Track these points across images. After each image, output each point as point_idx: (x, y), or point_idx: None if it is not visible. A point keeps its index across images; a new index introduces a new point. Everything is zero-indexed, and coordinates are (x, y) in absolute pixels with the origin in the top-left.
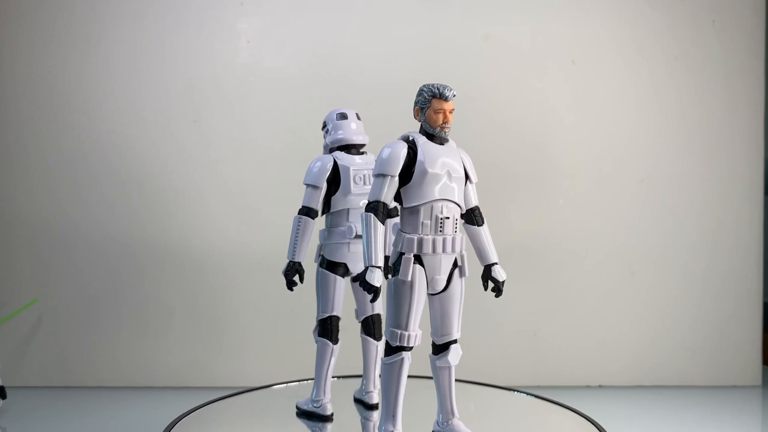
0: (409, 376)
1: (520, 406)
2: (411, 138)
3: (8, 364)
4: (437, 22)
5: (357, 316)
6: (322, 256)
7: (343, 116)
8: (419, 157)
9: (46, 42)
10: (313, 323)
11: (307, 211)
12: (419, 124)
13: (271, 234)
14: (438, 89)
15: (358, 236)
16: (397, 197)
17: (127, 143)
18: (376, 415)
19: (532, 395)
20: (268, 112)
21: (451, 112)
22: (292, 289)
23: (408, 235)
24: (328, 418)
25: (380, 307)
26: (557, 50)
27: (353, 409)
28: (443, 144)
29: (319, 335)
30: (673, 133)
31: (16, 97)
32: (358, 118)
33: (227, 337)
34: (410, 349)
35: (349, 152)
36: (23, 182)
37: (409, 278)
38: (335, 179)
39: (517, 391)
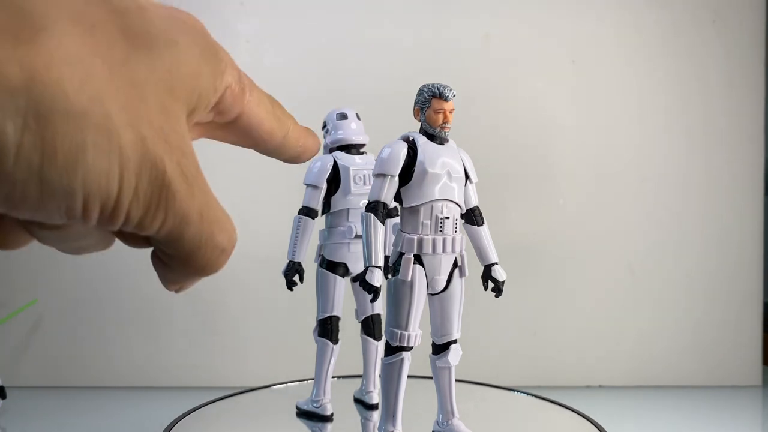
0: (409, 376)
1: (520, 406)
2: (411, 138)
3: (8, 364)
4: (437, 22)
5: (357, 316)
6: (322, 256)
7: (343, 116)
8: (419, 157)
9: None
10: (313, 323)
11: (307, 211)
12: (419, 124)
13: (271, 234)
14: (438, 89)
15: (358, 236)
16: (397, 197)
17: None
18: (376, 415)
19: (532, 395)
20: None
21: (451, 112)
22: (292, 289)
23: (408, 235)
24: (328, 418)
25: (380, 307)
26: (557, 50)
27: (353, 409)
28: (443, 144)
29: (319, 335)
30: (673, 133)
31: None
32: (358, 118)
33: (227, 337)
34: (410, 349)
35: (349, 152)
36: None
37: (409, 278)
38: (335, 179)
39: (518, 391)
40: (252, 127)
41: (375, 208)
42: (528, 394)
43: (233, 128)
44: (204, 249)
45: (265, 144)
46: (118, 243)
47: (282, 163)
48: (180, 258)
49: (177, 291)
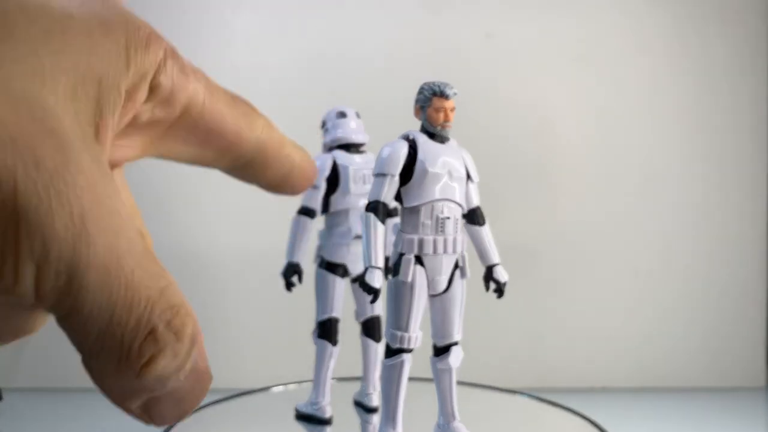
0: (409, 379)
1: (522, 408)
2: (411, 137)
3: (5, 365)
4: (438, 20)
5: (357, 318)
6: (322, 256)
7: (343, 115)
8: (420, 156)
9: None
10: (313, 325)
11: (306, 211)
12: (420, 122)
13: (270, 234)
14: (439, 87)
15: (357, 237)
16: (398, 197)
17: None
18: (376, 418)
19: (534, 397)
20: (265, 111)
21: (452, 111)
22: (290, 290)
23: (408, 236)
24: (327, 421)
25: (380, 308)
26: (559, 49)
27: (353, 412)
28: (444, 143)
29: (319, 337)
30: (676, 132)
31: None
32: (358, 116)
33: (225, 338)
34: (410, 351)
35: (348, 151)
36: None
37: (410, 279)
38: (334, 179)
39: (519, 393)
40: (208, 123)
41: (375, 208)
42: (530, 396)
43: (186, 130)
44: (124, 331)
45: (234, 150)
46: None
47: None
48: (89, 351)
49: (154, 422)
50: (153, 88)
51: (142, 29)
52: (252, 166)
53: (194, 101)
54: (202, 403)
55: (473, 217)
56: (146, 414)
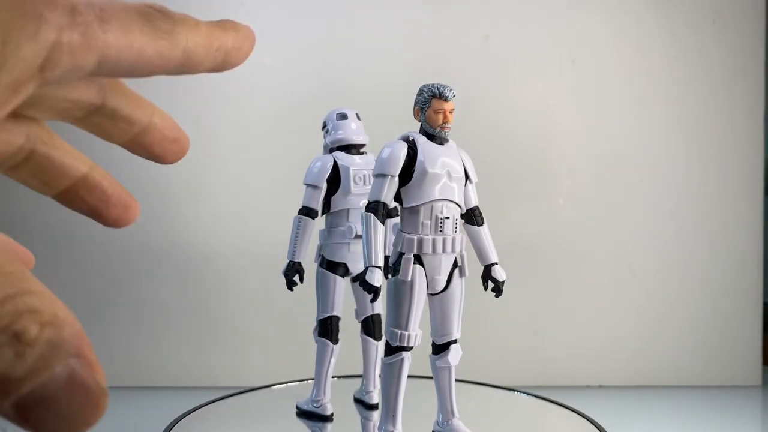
0: (409, 376)
1: (520, 406)
2: (411, 138)
3: None
4: (438, 22)
5: (357, 316)
6: (322, 256)
7: (343, 116)
8: (419, 157)
9: None
10: (313, 323)
11: (307, 211)
12: (419, 124)
13: (271, 234)
14: (438, 89)
15: (358, 236)
16: (397, 197)
17: None
18: (376, 415)
19: (532, 395)
20: (268, 112)
21: (451, 112)
22: (292, 289)
23: (408, 235)
24: (328, 418)
25: (380, 307)
26: (557, 50)
27: (353, 409)
28: (443, 144)
29: (319, 335)
30: (673, 132)
31: None
32: (358, 118)
33: (227, 337)
34: (410, 349)
35: (349, 152)
36: None
37: (409, 278)
38: (335, 179)
39: (517, 391)
40: (129, 64)
41: (375, 208)
42: (528, 394)
43: (99, 80)
44: None
45: (162, 70)
46: (115, 242)
47: (282, 162)
48: None
49: None
50: (45, 71)
51: (31, 12)
52: (186, 69)
53: (106, 53)
54: (205, 401)
55: (472, 217)
56: (23, 420)
